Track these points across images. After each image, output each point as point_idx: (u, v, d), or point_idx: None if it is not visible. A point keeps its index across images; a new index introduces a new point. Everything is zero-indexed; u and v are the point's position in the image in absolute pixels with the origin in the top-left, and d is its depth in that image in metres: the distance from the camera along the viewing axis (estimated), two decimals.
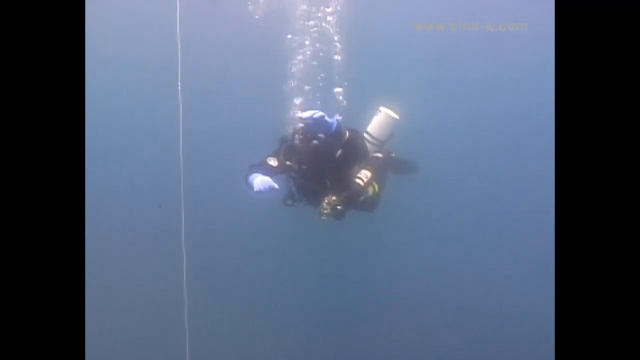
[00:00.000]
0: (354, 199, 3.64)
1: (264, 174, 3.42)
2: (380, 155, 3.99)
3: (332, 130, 3.27)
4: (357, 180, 3.65)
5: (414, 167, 4.37)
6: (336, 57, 4.15)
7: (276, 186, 3.32)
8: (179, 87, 3.18)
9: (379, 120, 4.01)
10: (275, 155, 3.64)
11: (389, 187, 4.02)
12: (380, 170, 3.92)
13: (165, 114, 3.34)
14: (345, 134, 3.38)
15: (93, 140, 3.31)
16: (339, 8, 4.28)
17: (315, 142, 3.45)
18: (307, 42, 3.98)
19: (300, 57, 3.90)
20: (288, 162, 3.57)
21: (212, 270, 5.81)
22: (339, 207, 3.56)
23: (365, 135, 3.98)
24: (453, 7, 5.66)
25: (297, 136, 3.51)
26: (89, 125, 2.32)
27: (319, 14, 4.18)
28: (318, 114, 3.12)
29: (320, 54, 4.04)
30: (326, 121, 3.19)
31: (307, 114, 3.11)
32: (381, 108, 4.02)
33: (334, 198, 3.55)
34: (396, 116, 3.98)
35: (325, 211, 3.55)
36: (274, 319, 5.83)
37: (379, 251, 5.84)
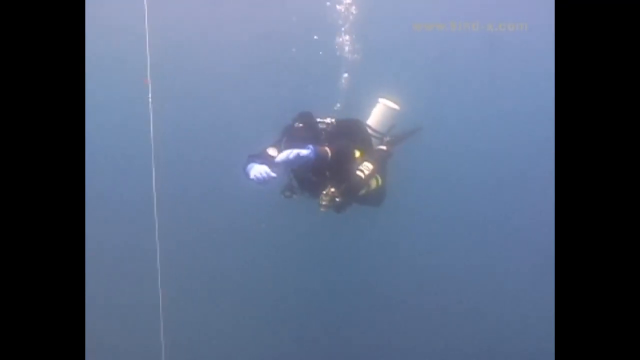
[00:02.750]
0: (353, 191, 3.59)
1: (262, 163, 3.40)
2: (384, 147, 3.93)
3: (312, 160, 3.26)
4: (358, 173, 3.59)
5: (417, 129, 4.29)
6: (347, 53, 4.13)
7: (273, 175, 3.29)
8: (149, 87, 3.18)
9: (378, 112, 3.96)
10: (275, 145, 3.61)
11: (391, 182, 3.97)
12: (386, 164, 3.87)
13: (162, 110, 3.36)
14: (327, 154, 3.34)
15: (94, 137, 3.32)
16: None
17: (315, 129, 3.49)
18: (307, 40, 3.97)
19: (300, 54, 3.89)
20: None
21: (207, 264, 5.81)
22: (337, 199, 3.52)
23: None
24: (453, 7, 5.65)
25: (296, 125, 3.49)
26: (89, 124, 2.32)
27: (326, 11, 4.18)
28: (292, 153, 3.14)
29: (321, 52, 4.04)
30: (302, 157, 3.19)
31: (281, 156, 3.14)
32: (380, 99, 3.97)
33: (332, 190, 3.51)
34: (396, 107, 3.92)
35: (323, 202, 3.51)
36: (270, 314, 5.82)
37: (378, 247, 5.84)
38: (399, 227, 5.70)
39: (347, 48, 4.40)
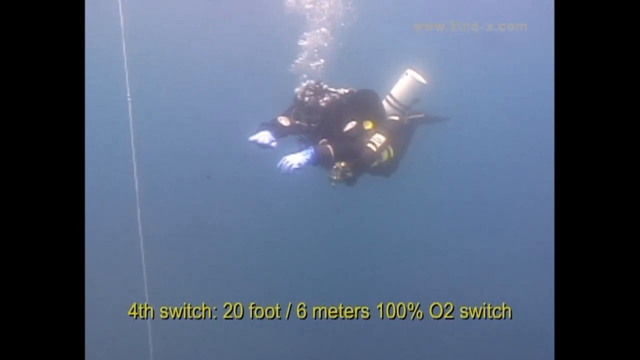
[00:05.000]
0: (364, 165, 3.54)
1: (273, 132, 3.42)
2: (396, 118, 3.80)
3: (314, 163, 3.26)
4: (369, 146, 3.51)
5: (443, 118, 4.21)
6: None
7: (273, 143, 3.34)
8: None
9: (403, 83, 3.79)
10: (286, 114, 3.57)
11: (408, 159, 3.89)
12: (399, 135, 3.76)
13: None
14: (329, 152, 3.31)
15: (95, 133, 3.32)
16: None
17: (326, 98, 3.48)
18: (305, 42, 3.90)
19: (299, 58, 3.82)
20: (298, 122, 3.50)
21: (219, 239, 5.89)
22: (348, 174, 3.46)
23: (388, 97, 3.82)
24: (453, 7, 5.66)
25: (307, 92, 3.47)
26: (89, 121, 2.32)
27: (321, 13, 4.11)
28: (293, 165, 3.14)
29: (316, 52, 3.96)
30: (304, 165, 3.20)
31: (283, 169, 3.16)
32: (408, 71, 3.79)
33: (342, 164, 3.44)
34: (423, 81, 3.74)
35: (334, 177, 3.46)
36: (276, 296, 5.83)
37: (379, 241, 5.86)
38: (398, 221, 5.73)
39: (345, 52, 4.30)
